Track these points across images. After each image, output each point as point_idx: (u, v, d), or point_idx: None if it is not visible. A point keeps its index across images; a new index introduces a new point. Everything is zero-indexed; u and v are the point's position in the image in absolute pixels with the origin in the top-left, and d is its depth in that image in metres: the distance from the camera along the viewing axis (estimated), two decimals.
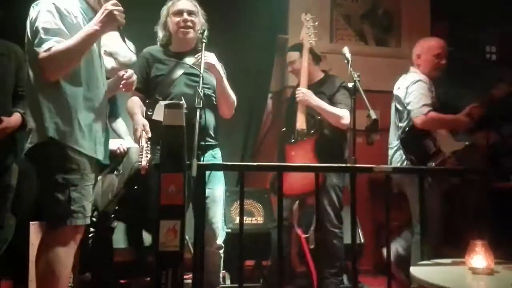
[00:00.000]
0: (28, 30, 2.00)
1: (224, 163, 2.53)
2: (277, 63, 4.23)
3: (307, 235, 3.19)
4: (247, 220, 3.44)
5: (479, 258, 1.84)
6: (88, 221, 2.00)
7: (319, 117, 3.08)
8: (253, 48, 3.41)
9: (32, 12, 1.99)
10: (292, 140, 3.10)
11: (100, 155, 2.07)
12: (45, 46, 1.89)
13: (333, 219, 3.09)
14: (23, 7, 2.12)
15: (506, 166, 3.49)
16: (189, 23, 2.57)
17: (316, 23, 3.19)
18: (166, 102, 1.89)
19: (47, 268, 1.91)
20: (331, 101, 3.14)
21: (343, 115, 3.06)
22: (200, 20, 2.62)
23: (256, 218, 3.55)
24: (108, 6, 1.95)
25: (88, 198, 1.99)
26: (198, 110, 2.11)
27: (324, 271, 3.03)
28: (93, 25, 1.95)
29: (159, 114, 2.27)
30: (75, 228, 1.96)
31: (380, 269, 3.79)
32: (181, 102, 1.88)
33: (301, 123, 3.10)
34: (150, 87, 2.58)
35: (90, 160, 2.02)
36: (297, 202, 3.21)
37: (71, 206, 1.91)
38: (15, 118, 2.70)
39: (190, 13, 2.59)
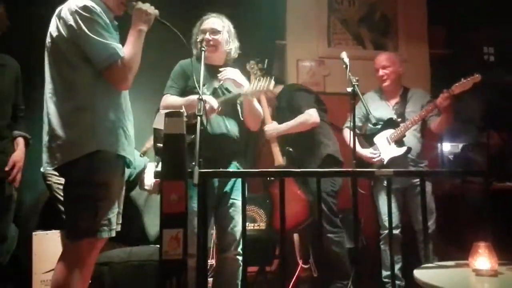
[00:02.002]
0: (71, 38, 1.92)
1: (225, 170, 2.54)
2: (275, 68, 4.25)
3: (306, 266, 3.24)
4: (249, 226, 3.44)
5: (483, 259, 1.84)
6: (113, 234, 1.98)
7: (290, 148, 3.17)
8: (252, 54, 3.43)
9: (68, 15, 1.92)
10: (272, 178, 3.10)
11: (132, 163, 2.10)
12: (116, 56, 1.91)
13: (326, 226, 3.09)
14: (19, 21, 2.12)
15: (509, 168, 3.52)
16: (212, 42, 2.63)
17: (262, 66, 3.27)
18: (167, 110, 1.89)
19: (68, 280, 1.89)
20: (294, 109, 3.20)
21: (308, 117, 3.13)
22: (224, 37, 2.67)
23: (258, 224, 3.55)
24: (138, 7, 2.04)
25: (113, 210, 1.97)
26: (199, 118, 2.13)
27: (330, 277, 3.03)
28: (137, 27, 2.02)
29: (160, 122, 2.28)
30: (98, 240, 1.96)
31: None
32: (181, 111, 1.88)
33: (277, 160, 3.17)
34: (185, 96, 2.61)
35: (123, 167, 2.04)
36: (295, 234, 3.24)
37: (97, 220, 1.90)
38: (21, 148, 2.75)
39: (213, 32, 2.65)
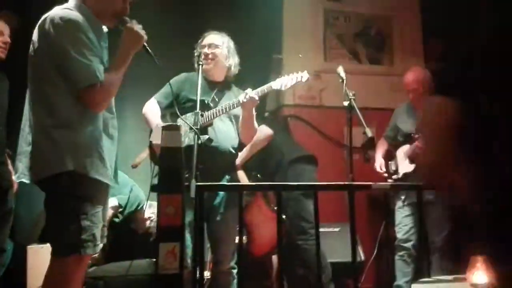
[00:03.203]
0: (49, 53, 1.83)
1: (223, 183, 2.54)
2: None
3: None
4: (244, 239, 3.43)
5: (480, 274, 1.83)
6: (98, 250, 1.92)
7: (255, 173, 3.18)
8: (249, 68, 3.47)
9: (51, 28, 1.82)
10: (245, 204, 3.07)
11: (113, 182, 2.00)
12: (95, 79, 1.82)
13: (293, 233, 3.11)
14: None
15: None
16: (210, 56, 2.67)
17: None
18: (164, 124, 1.90)
19: None
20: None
21: (259, 134, 3.02)
22: (223, 52, 2.71)
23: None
24: (130, 26, 1.96)
25: (98, 225, 1.90)
26: (195, 132, 2.14)
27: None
28: (125, 49, 1.94)
29: (157, 136, 2.29)
30: (84, 256, 1.89)
31: (381, 286, 3.77)
32: (178, 124, 1.89)
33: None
34: (180, 106, 2.60)
35: (105, 186, 1.95)
36: (274, 256, 3.23)
37: (81, 236, 1.82)
38: None
39: (211, 46, 2.70)
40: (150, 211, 3.19)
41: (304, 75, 2.55)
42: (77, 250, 1.82)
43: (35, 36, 1.90)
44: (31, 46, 1.91)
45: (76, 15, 1.86)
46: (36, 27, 1.90)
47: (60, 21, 1.82)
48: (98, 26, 1.96)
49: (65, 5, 1.93)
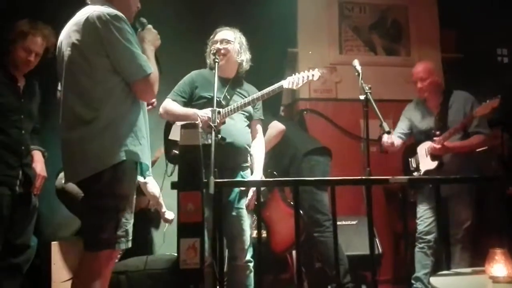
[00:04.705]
0: (100, 47, 1.88)
1: (240, 179, 2.56)
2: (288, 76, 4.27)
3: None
4: (264, 233, 3.45)
5: (499, 266, 1.83)
6: (130, 244, 1.99)
7: (271, 170, 3.17)
8: (265, 62, 3.48)
9: (97, 25, 1.87)
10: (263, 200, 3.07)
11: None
12: (148, 70, 1.93)
13: (310, 226, 3.12)
14: None
15: None
16: (222, 51, 2.69)
17: None
18: (183, 122, 1.93)
19: None
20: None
21: (272, 130, 3.18)
22: (235, 48, 2.73)
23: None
24: (152, 29, 2.11)
25: (130, 221, 1.98)
26: (213, 129, 2.16)
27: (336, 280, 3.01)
28: (151, 47, 2.07)
29: (175, 134, 2.32)
30: (116, 251, 1.98)
31: (399, 278, 3.77)
32: (196, 122, 1.92)
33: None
34: (193, 104, 2.67)
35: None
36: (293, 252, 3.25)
37: (117, 232, 1.91)
38: (40, 159, 2.80)
39: (223, 41, 2.72)
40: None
41: (316, 74, 2.53)
42: (111, 245, 1.90)
43: (74, 34, 1.92)
44: (66, 46, 1.95)
45: (118, 12, 1.94)
46: (72, 26, 1.94)
47: (108, 16, 1.88)
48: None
49: (103, 6, 1.97)
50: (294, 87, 2.56)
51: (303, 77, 2.55)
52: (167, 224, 3.15)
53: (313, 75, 2.54)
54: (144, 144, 2.00)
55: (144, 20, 2.12)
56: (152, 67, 1.97)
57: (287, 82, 2.56)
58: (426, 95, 3.28)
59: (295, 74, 2.58)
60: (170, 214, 3.11)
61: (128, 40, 1.90)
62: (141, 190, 3.00)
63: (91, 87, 1.90)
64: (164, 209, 3.13)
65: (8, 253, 2.63)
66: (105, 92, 1.90)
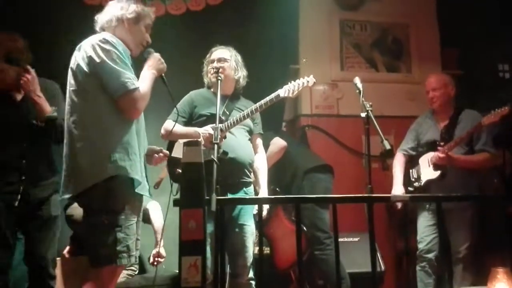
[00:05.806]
0: (88, 69, 2.02)
1: (242, 197, 2.57)
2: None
3: None
4: (266, 250, 3.44)
5: (502, 285, 1.83)
6: (133, 260, 2.04)
7: (274, 187, 3.19)
8: (267, 79, 3.51)
9: (88, 49, 2.03)
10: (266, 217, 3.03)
11: (146, 191, 2.16)
12: (132, 85, 2.00)
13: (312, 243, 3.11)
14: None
15: None
16: (220, 69, 2.72)
17: None
18: (185, 140, 1.94)
19: None
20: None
21: (273, 147, 3.21)
22: (232, 65, 2.79)
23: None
24: (155, 54, 2.22)
25: (131, 237, 2.03)
26: (216, 146, 2.18)
27: None
28: (151, 70, 2.17)
29: (178, 151, 2.34)
30: (118, 267, 2.02)
31: None
32: (199, 140, 1.93)
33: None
34: (193, 123, 2.72)
35: (138, 197, 2.10)
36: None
37: (116, 247, 1.96)
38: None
39: (219, 60, 2.79)
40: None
41: (310, 80, 2.56)
42: (112, 261, 1.95)
43: (73, 59, 2.09)
44: (69, 70, 2.10)
45: (110, 36, 2.09)
46: (74, 53, 2.11)
47: (97, 40, 2.05)
48: (127, 53, 2.13)
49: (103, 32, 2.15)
50: (291, 95, 2.57)
51: (298, 84, 2.57)
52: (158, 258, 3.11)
53: (308, 81, 2.57)
54: (134, 160, 2.04)
55: (150, 50, 2.23)
56: (142, 86, 2.05)
57: (284, 91, 2.58)
58: (435, 106, 3.28)
59: (290, 83, 2.60)
60: (162, 254, 3.10)
61: (114, 60, 2.01)
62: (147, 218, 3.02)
63: (82, 106, 2.03)
64: (157, 248, 3.10)
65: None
66: (94, 111, 2.02)
